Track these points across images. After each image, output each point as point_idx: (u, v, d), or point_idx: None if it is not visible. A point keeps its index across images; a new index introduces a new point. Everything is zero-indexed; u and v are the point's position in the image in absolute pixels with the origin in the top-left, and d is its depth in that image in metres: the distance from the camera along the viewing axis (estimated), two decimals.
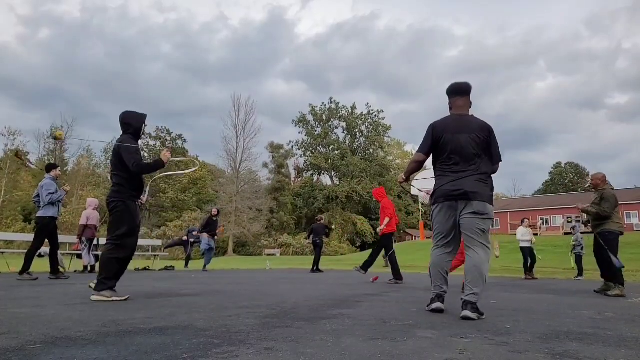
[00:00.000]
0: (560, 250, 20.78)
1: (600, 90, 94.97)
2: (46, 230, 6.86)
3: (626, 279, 9.63)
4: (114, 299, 3.74)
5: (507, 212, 46.04)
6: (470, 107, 3.46)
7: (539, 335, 2.40)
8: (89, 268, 9.15)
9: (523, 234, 10.40)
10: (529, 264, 10.15)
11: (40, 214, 6.88)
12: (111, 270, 3.86)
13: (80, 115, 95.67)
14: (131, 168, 3.91)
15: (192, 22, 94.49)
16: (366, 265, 7.78)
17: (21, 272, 6.65)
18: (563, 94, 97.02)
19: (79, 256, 9.93)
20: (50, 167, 7.16)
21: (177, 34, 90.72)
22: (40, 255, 9.32)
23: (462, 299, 3.05)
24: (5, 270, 8.61)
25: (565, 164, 69.11)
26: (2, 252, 9.85)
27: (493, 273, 12.62)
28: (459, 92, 3.45)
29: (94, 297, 3.76)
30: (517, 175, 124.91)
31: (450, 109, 3.48)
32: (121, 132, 4.11)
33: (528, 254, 10.22)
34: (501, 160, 3.38)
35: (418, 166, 3.53)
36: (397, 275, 7.39)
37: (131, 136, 4.07)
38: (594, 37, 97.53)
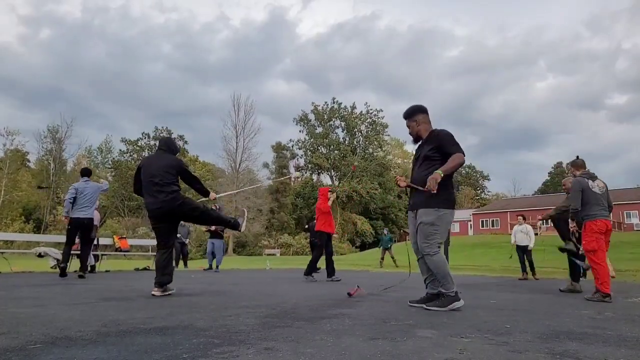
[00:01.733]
0: None
1: (600, 91, 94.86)
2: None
3: (626, 278, 9.66)
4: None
5: (507, 211, 46.04)
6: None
7: (538, 335, 2.41)
8: (88, 268, 9.14)
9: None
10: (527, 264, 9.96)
11: (89, 215, 7.19)
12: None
13: (81, 115, 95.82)
14: (190, 183, 4.72)
15: (193, 22, 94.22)
16: (312, 269, 7.78)
17: (84, 271, 7.26)
18: (563, 94, 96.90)
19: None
20: (89, 172, 7.64)
21: (178, 34, 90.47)
22: (40, 255, 9.33)
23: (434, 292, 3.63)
24: (5, 270, 8.61)
25: (567, 164, 69.12)
26: (2, 252, 9.85)
27: (493, 273, 12.62)
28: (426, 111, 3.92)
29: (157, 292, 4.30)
30: (517, 175, 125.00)
31: (426, 123, 3.85)
32: (165, 151, 4.78)
33: (522, 252, 9.97)
34: None
35: None
36: (311, 269, 7.77)
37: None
38: (594, 37, 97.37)
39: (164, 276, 4.40)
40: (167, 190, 4.45)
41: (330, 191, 7.93)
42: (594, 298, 4.68)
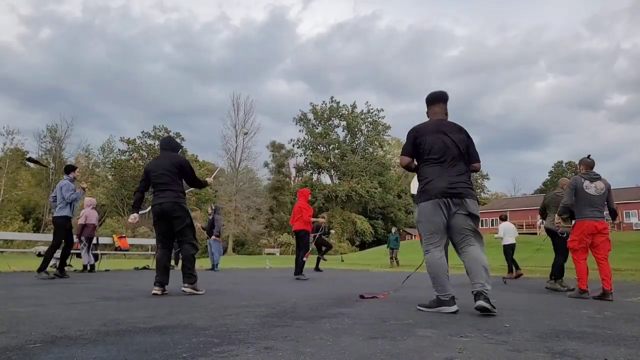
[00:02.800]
0: None
1: (600, 91, 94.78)
2: (63, 229, 6.98)
3: (626, 278, 9.66)
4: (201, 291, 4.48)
5: (506, 211, 46.04)
6: (446, 115, 3.68)
7: (538, 334, 2.41)
8: (88, 267, 9.15)
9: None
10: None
11: (56, 214, 7.00)
12: (194, 265, 4.62)
13: (81, 115, 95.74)
14: (191, 181, 4.83)
15: (194, 22, 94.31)
16: (300, 267, 7.83)
17: (39, 270, 6.71)
18: (563, 94, 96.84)
19: (78, 255, 9.93)
20: (69, 169, 7.42)
21: (179, 34, 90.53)
22: (39, 255, 9.32)
23: (473, 291, 3.18)
24: (5, 269, 8.61)
25: (566, 164, 69.11)
26: (1, 252, 9.84)
27: (492, 272, 12.63)
28: (436, 100, 3.69)
29: (188, 289, 4.39)
30: (517, 175, 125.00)
31: (427, 116, 3.73)
32: (168, 149, 4.85)
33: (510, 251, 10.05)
34: (480, 160, 3.58)
35: (409, 168, 3.66)
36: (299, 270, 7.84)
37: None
38: (594, 37, 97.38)
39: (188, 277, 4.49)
40: (171, 188, 4.58)
41: (310, 193, 8.34)
42: (573, 295, 4.99)
